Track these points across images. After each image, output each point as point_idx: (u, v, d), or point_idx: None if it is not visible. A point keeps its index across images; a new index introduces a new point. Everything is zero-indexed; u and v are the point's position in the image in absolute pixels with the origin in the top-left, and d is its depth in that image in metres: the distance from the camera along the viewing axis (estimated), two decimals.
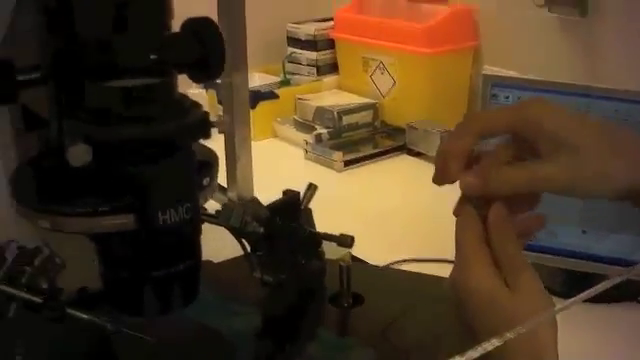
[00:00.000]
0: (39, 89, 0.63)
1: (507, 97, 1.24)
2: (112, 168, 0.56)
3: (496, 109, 0.71)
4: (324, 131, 1.56)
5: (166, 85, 0.58)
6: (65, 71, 0.59)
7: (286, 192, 0.75)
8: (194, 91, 1.57)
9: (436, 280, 0.72)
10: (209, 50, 0.64)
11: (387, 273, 0.81)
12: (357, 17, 1.72)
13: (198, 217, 0.60)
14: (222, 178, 0.96)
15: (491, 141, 0.59)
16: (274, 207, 0.73)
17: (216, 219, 0.69)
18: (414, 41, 1.55)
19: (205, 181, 0.61)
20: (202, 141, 0.64)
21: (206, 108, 1.55)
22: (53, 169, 0.62)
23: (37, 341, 0.65)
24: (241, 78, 0.92)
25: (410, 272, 0.80)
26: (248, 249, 0.73)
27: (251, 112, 0.96)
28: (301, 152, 1.55)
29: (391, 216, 1.24)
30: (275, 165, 1.44)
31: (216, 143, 0.94)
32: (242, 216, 0.69)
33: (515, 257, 0.55)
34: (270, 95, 1.68)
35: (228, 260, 0.80)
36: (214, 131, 0.64)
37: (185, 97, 0.60)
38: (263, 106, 1.64)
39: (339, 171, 1.46)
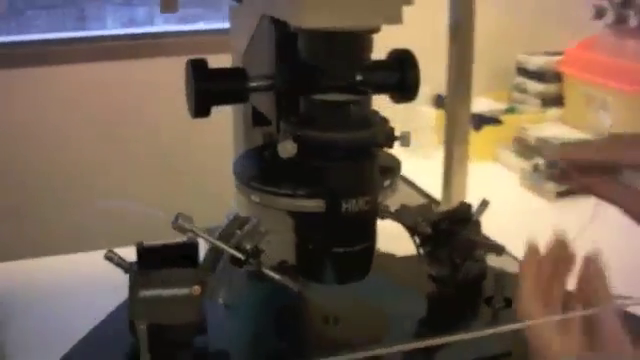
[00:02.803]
0: (268, 94, 0.79)
1: None
2: (311, 162, 0.70)
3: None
4: (542, 161, 1.57)
5: (361, 101, 0.71)
6: (287, 84, 0.74)
7: (462, 203, 0.86)
8: (424, 108, 1.70)
9: None
10: (406, 75, 0.77)
11: None
12: (587, 54, 1.76)
13: (375, 209, 0.72)
14: (437, 193, 1.05)
15: None
16: (444, 213, 0.84)
17: (393, 215, 0.82)
18: (638, 82, 1.58)
19: (386, 183, 0.74)
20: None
21: (433, 125, 1.66)
22: (267, 158, 0.78)
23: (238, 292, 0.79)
24: (464, 101, 1.00)
25: None
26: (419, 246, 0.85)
27: (475, 134, 1.02)
28: (517, 179, 1.59)
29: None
30: (490, 188, 1.49)
31: (435, 162, 1.03)
32: (415, 216, 0.81)
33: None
34: (493, 120, 1.76)
35: (407, 256, 0.92)
36: None
37: (376, 113, 0.73)
38: (487, 130, 1.72)
39: (551, 201, 1.48)
